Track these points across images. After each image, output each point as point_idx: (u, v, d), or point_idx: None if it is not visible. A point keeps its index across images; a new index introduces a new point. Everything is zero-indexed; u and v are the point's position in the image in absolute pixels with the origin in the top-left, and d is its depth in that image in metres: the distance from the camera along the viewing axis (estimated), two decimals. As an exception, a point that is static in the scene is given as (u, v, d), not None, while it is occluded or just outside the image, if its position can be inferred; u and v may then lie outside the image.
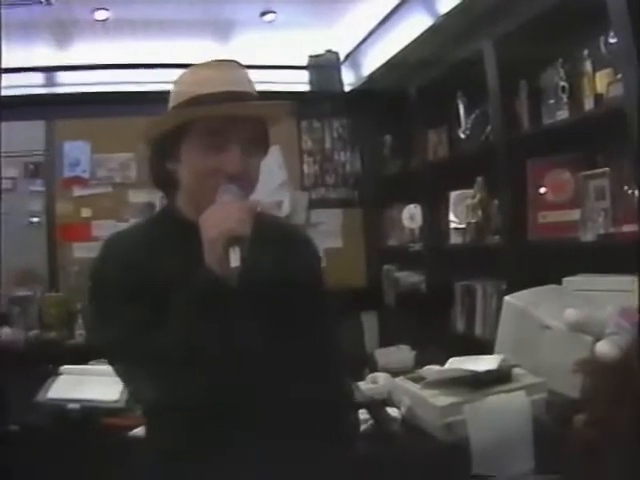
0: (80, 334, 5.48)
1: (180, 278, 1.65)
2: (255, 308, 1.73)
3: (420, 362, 3.37)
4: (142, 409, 2.02)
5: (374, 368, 3.41)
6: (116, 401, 3.08)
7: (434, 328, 4.83)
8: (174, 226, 1.87)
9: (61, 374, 3.36)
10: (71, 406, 3.11)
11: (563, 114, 3.55)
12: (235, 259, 1.59)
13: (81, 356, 3.62)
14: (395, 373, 3.12)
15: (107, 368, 3.31)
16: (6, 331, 5.35)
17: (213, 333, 1.62)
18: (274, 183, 5.98)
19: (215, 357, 1.62)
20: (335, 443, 1.88)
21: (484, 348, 3.28)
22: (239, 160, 1.75)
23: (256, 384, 1.72)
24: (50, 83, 5.95)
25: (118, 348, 1.72)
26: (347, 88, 6.29)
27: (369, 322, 5.99)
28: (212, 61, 1.88)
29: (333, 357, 2.00)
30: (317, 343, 1.92)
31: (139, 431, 2.86)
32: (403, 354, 3.97)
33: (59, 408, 3.12)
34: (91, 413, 3.08)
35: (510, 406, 2.61)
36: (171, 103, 1.86)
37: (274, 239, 1.88)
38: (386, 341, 4.74)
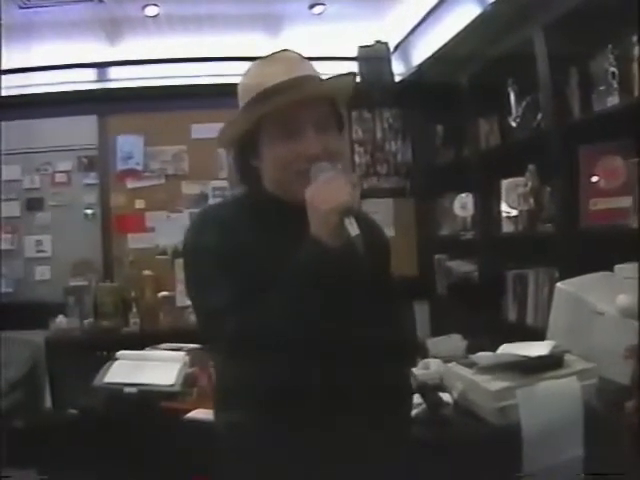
0: (134, 322, 5.60)
1: (277, 252, 1.69)
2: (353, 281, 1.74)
3: (471, 351, 3.36)
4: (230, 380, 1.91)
5: (425, 357, 3.42)
6: (172, 385, 3.14)
7: (486, 317, 4.82)
8: (265, 203, 1.90)
9: (117, 359, 3.43)
10: (128, 390, 3.17)
11: (613, 100, 3.51)
12: (354, 229, 1.62)
13: (136, 344, 3.69)
14: (447, 361, 3.13)
15: (163, 353, 3.44)
16: (62, 320, 5.49)
17: (326, 302, 1.64)
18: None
19: (326, 327, 1.63)
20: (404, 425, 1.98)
21: (536, 337, 3.25)
22: (316, 141, 1.79)
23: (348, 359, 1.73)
24: (102, 78, 6.05)
25: (226, 315, 1.68)
26: (397, 78, 6.28)
27: (420, 311, 5.94)
28: (271, 54, 1.93)
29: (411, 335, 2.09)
30: (395, 323, 1.98)
31: (195, 414, 2.93)
32: (454, 343, 3.95)
33: (116, 392, 3.19)
34: (147, 397, 3.14)
35: (562, 391, 2.59)
36: (241, 101, 1.91)
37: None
38: (438, 330, 4.73)
